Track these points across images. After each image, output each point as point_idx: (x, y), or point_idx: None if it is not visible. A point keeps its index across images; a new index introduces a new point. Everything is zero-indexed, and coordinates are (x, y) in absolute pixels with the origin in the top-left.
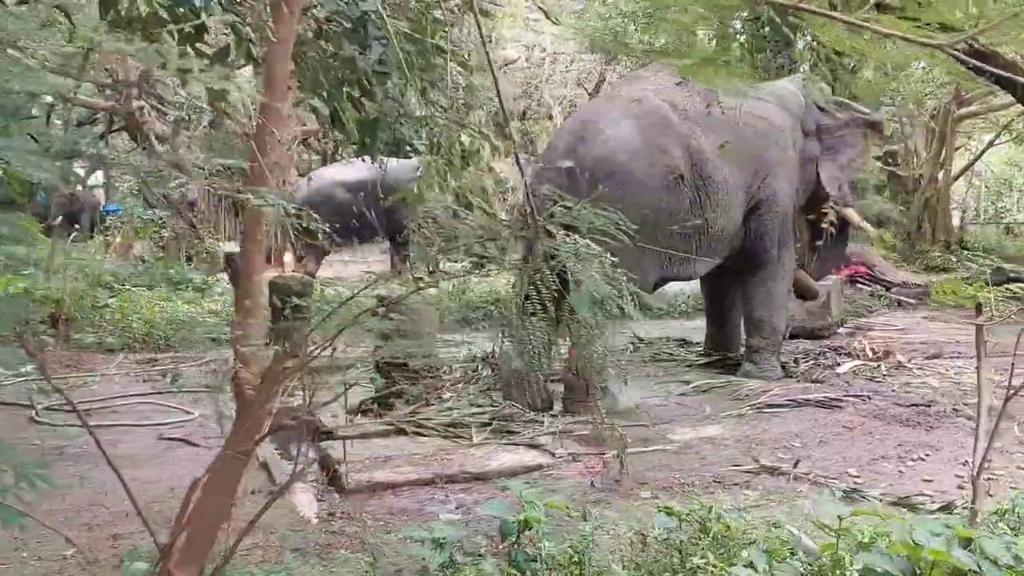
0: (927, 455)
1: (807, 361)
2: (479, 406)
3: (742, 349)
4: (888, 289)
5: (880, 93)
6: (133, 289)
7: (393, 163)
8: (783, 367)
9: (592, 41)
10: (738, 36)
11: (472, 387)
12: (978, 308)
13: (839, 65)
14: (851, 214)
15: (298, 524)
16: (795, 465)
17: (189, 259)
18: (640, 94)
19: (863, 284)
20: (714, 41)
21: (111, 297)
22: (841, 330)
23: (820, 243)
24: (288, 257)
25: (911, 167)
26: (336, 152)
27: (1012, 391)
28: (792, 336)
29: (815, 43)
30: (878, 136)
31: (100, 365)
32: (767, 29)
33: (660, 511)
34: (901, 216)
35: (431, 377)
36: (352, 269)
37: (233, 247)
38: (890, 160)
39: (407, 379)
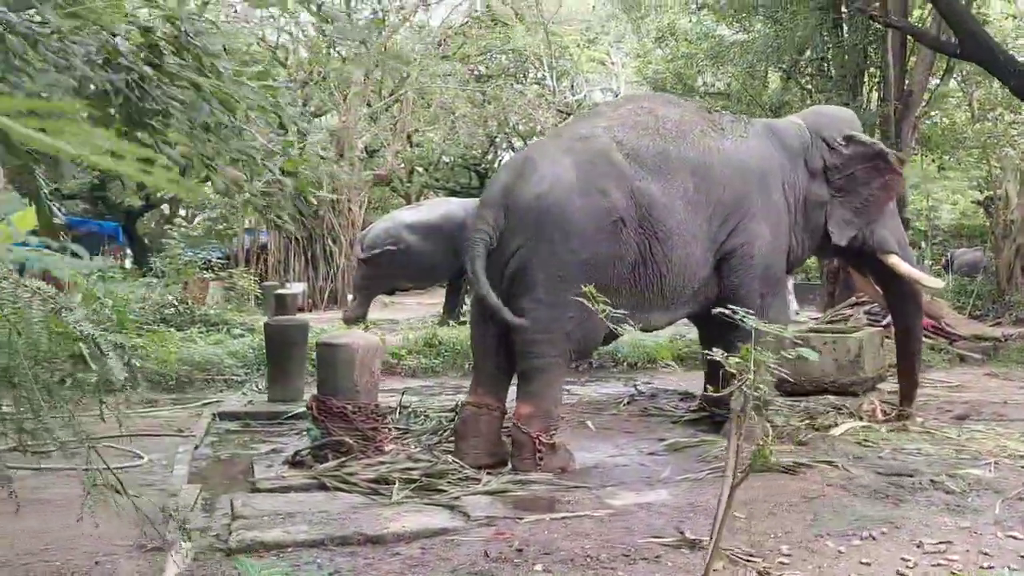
0: (882, 533)
1: (803, 419)
2: (417, 461)
3: None
4: (952, 343)
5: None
6: (164, 328)
7: (455, 203)
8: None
9: (654, 83)
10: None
11: (422, 440)
12: None
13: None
14: (897, 263)
15: None
16: (711, 539)
17: (259, 300)
18: (588, 131)
19: (927, 337)
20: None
21: (138, 336)
22: (883, 386)
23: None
24: None
25: (1003, 212)
26: (420, 194)
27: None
28: (819, 391)
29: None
30: (891, 169)
31: (92, 405)
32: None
33: None
34: (992, 264)
35: (372, 428)
36: (409, 312)
37: (298, 288)
38: (988, 206)
39: (345, 430)
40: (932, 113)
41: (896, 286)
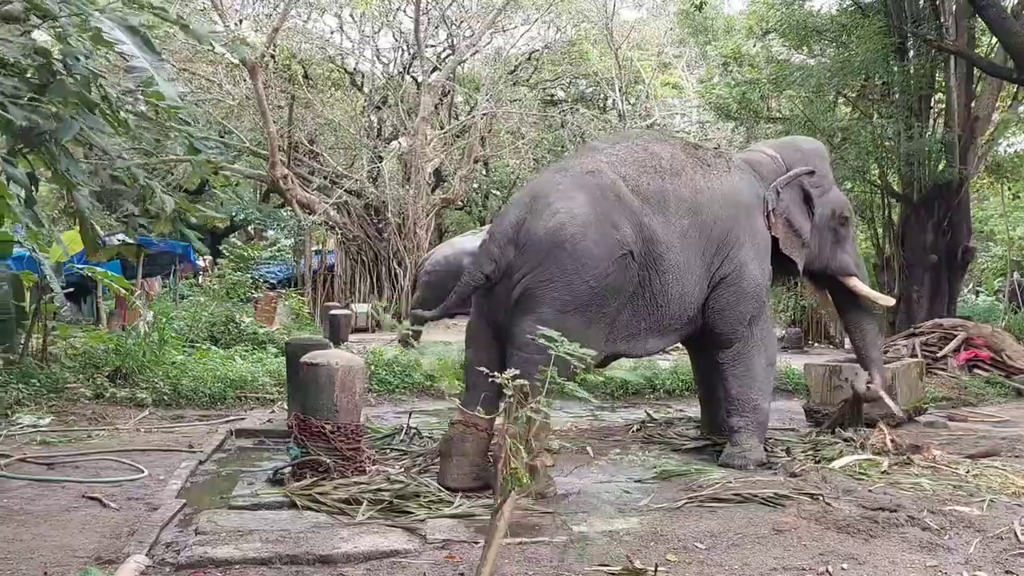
0: (842, 569)
1: (807, 451)
2: (393, 482)
3: None
4: (1009, 376)
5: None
6: (208, 346)
7: None
8: (776, 454)
9: (717, 108)
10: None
11: (417, 461)
12: None
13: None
14: (856, 284)
15: None
16: (655, 570)
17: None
18: (594, 166)
19: (983, 369)
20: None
21: (181, 354)
22: (922, 419)
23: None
24: None
25: None
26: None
27: None
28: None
29: None
30: (813, 188)
31: (120, 419)
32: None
33: None
34: None
35: (351, 449)
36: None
37: (362, 308)
38: None
39: (324, 450)
40: (1004, 140)
41: (850, 301)
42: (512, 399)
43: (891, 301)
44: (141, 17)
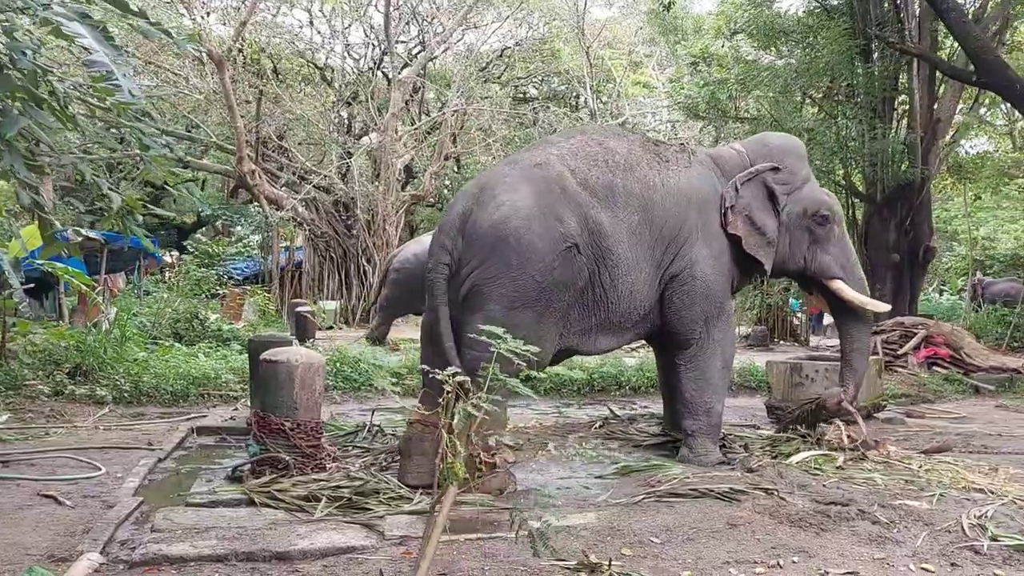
0: (792, 562)
1: (764, 447)
2: (353, 479)
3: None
4: (967, 374)
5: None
6: (171, 343)
7: None
8: (734, 450)
9: (686, 108)
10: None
11: (379, 459)
12: None
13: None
14: (840, 288)
15: None
16: (609, 564)
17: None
18: (543, 159)
19: (943, 367)
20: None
21: (144, 351)
22: (881, 415)
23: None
24: None
25: None
26: None
27: None
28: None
29: None
30: (778, 184)
31: (79, 417)
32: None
33: None
34: None
35: (310, 446)
36: None
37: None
38: None
39: (283, 447)
40: (965, 141)
41: (841, 306)
42: (449, 396)
43: (884, 307)
44: (98, 9)
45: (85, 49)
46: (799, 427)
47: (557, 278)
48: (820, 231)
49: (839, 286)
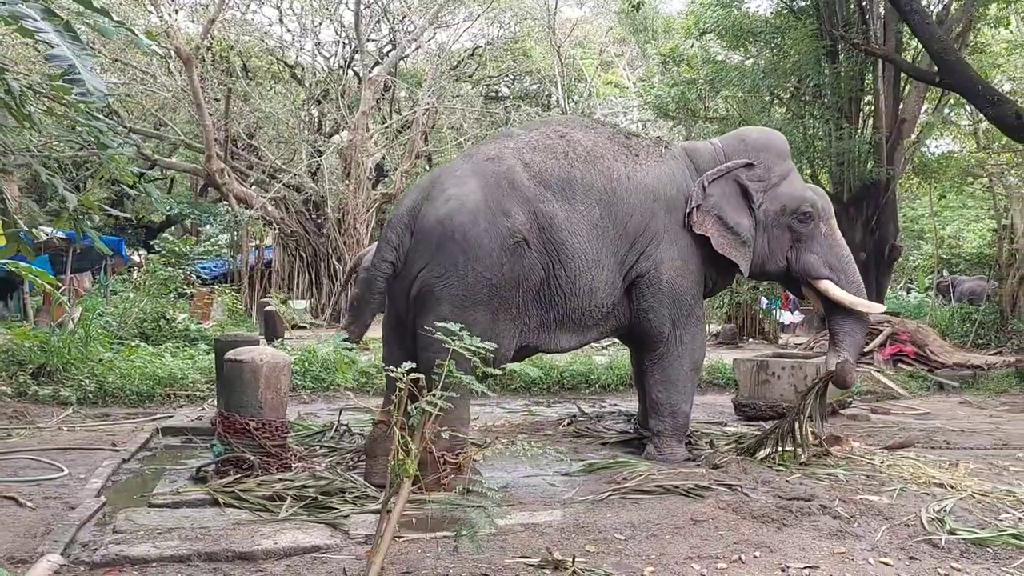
0: (754, 557)
1: (729, 443)
2: (319, 479)
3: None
4: (932, 371)
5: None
6: (137, 343)
7: None
8: (699, 447)
9: (656, 107)
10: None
11: (330, 458)
12: None
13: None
14: (828, 288)
15: None
16: (573, 561)
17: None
18: (496, 153)
19: (907, 364)
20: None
21: (109, 351)
22: (846, 411)
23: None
24: None
25: (1009, 242)
26: None
27: None
28: (779, 416)
29: None
30: (752, 181)
31: (42, 418)
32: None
33: None
34: (995, 293)
35: (276, 446)
36: None
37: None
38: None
39: (248, 446)
40: (930, 140)
41: (834, 307)
42: (401, 393)
43: (879, 308)
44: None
45: (47, 44)
46: (811, 420)
47: (507, 275)
48: (803, 229)
49: (827, 286)
